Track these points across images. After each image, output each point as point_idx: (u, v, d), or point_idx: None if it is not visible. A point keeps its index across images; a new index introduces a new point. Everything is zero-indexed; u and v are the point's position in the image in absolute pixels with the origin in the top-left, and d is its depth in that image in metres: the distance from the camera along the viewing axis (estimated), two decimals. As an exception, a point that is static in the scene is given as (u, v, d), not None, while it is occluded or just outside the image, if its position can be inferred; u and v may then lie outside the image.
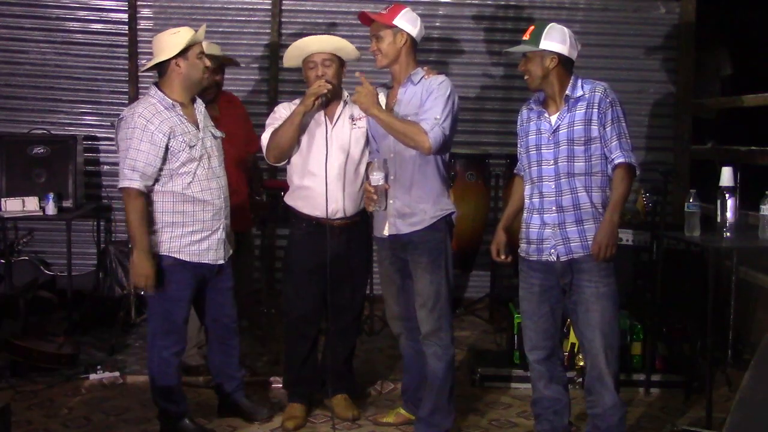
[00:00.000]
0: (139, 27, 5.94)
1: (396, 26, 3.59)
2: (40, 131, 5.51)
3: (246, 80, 6.02)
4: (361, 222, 3.95)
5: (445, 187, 3.71)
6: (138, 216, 3.53)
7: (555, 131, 3.35)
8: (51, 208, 5.00)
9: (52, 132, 5.61)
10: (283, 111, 3.88)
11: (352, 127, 3.82)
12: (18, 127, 5.76)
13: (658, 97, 6.13)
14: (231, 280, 3.88)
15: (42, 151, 5.27)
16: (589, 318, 3.33)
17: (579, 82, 3.37)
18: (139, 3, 5.95)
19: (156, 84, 3.67)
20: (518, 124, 3.54)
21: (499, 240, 3.57)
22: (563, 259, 3.34)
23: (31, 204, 5.02)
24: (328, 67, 3.79)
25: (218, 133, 3.80)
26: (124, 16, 5.95)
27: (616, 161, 3.31)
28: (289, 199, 3.95)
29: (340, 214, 3.82)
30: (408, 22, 3.62)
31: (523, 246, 3.47)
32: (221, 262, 3.76)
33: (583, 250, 3.32)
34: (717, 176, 4.09)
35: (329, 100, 3.79)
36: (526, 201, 3.47)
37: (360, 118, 3.82)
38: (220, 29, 5.95)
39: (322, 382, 4.07)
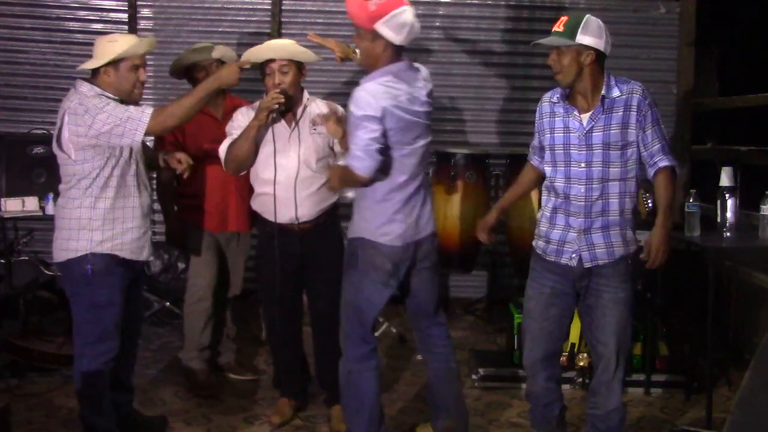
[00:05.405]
0: (139, 27, 5.93)
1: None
2: (40, 131, 5.49)
3: (244, 80, 5.91)
4: (328, 223, 3.85)
5: (376, 214, 3.37)
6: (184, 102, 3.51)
7: (588, 132, 3.18)
8: (51, 208, 4.98)
9: (52, 132, 5.59)
10: (240, 118, 3.77)
11: (311, 132, 3.73)
12: (18, 127, 5.76)
13: (658, 97, 6.05)
14: (143, 282, 4.02)
15: (42, 151, 5.24)
16: (606, 323, 3.26)
17: (613, 80, 3.18)
18: (139, 3, 5.94)
19: (86, 79, 3.50)
20: (538, 116, 3.33)
21: (490, 219, 3.52)
22: (586, 265, 3.23)
23: (31, 204, 5.00)
24: (285, 74, 3.69)
25: None
26: (124, 16, 5.94)
27: (660, 164, 3.17)
28: (253, 204, 3.90)
29: (299, 220, 3.72)
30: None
31: (540, 244, 3.33)
32: (151, 259, 3.92)
33: (608, 257, 3.21)
34: (717, 176, 4.09)
35: (287, 108, 3.69)
36: (548, 198, 3.31)
37: (320, 124, 3.68)
38: (220, 29, 5.95)
39: (309, 378, 4.12)
